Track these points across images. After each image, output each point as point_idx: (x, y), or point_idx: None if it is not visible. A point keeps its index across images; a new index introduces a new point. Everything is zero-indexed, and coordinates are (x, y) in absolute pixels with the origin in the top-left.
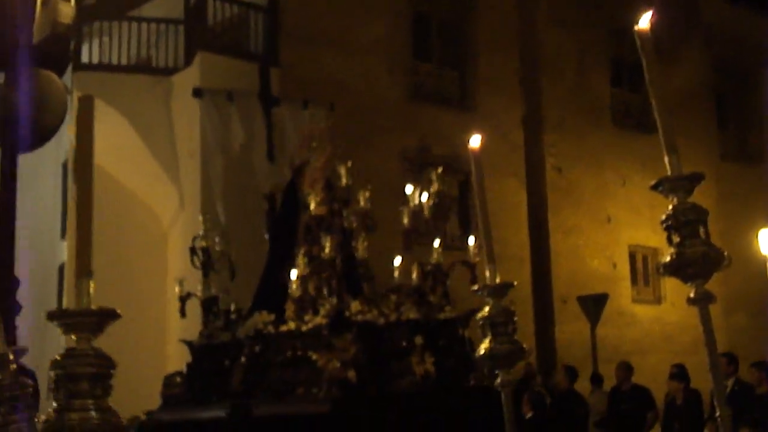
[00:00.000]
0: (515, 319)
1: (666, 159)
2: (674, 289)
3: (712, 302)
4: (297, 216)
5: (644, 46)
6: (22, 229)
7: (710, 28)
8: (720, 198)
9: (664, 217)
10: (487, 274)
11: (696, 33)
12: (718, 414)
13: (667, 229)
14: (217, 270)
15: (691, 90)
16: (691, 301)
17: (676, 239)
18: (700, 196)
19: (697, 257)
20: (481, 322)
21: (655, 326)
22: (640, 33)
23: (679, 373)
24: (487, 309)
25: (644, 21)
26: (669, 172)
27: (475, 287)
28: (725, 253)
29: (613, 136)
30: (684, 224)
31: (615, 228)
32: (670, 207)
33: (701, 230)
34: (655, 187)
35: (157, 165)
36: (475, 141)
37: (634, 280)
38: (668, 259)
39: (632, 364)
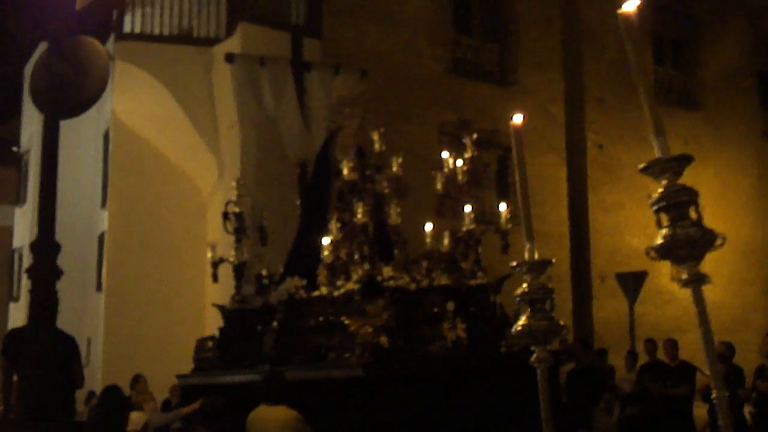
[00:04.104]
0: (553, 296)
1: (654, 142)
2: (714, 268)
3: (705, 283)
4: (329, 182)
5: (628, 30)
6: (63, 196)
7: (753, 6)
8: (762, 176)
9: (653, 200)
10: (527, 250)
11: (738, 11)
12: (713, 395)
13: (657, 211)
14: (250, 235)
15: (733, 68)
16: (684, 284)
17: (666, 221)
18: (741, 176)
19: (688, 239)
20: (518, 299)
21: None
22: (624, 16)
23: (720, 356)
24: (525, 285)
25: (629, 5)
26: (657, 155)
27: (514, 264)
28: (717, 234)
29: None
30: (674, 206)
31: None
32: (660, 189)
33: (692, 212)
34: (644, 170)
35: (197, 135)
36: (518, 118)
37: None
38: (659, 241)
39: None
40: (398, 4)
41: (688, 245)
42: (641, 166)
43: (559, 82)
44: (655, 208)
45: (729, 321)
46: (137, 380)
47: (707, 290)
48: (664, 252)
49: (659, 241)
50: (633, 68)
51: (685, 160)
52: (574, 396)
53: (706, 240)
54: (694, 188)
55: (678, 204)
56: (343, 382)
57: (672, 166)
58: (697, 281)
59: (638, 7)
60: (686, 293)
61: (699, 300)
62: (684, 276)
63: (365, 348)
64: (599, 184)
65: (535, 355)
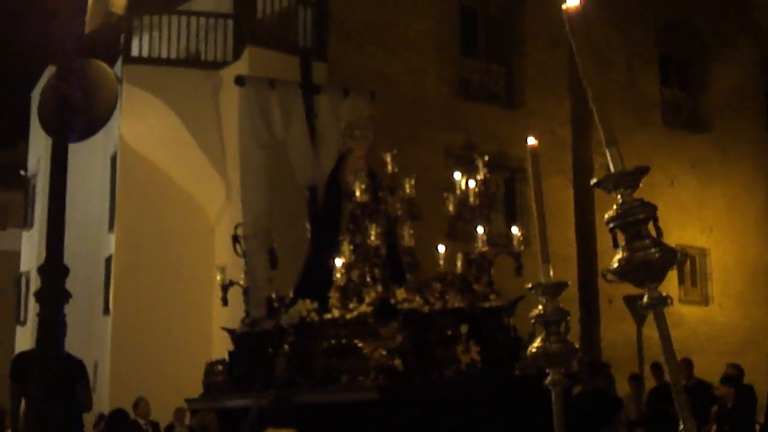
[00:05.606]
0: (568, 318)
1: (607, 153)
2: (722, 290)
3: (666, 305)
4: (339, 204)
5: (573, 27)
6: (70, 220)
7: (759, 27)
8: None
9: (607, 217)
10: (542, 272)
11: (745, 32)
12: (681, 428)
13: (612, 230)
14: (259, 258)
15: (740, 89)
16: (645, 307)
17: (622, 241)
18: (748, 197)
19: (648, 260)
20: (533, 320)
21: (702, 327)
22: (569, 12)
23: (729, 377)
24: (540, 307)
25: (573, 1)
26: (611, 168)
27: (529, 285)
28: (677, 251)
29: (662, 135)
30: (631, 224)
31: (663, 228)
32: (615, 206)
33: (650, 229)
34: (598, 185)
35: (204, 158)
36: (531, 140)
37: (681, 281)
38: (616, 264)
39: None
40: (404, 27)
41: (646, 267)
42: (593, 181)
43: (566, 104)
44: (610, 226)
45: (737, 342)
46: (138, 403)
47: (715, 312)
48: (621, 275)
49: (615, 263)
50: (580, 70)
51: (640, 173)
52: (584, 419)
53: (665, 260)
54: (652, 203)
55: (635, 222)
56: (357, 406)
57: (627, 179)
58: (658, 304)
59: (581, 3)
60: (694, 316)
61: (662, 323)
62: (645, 299)
63: (379, 371)
64: (606, 206)
65: (549, 378)
